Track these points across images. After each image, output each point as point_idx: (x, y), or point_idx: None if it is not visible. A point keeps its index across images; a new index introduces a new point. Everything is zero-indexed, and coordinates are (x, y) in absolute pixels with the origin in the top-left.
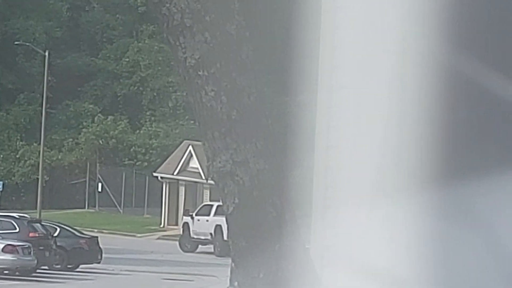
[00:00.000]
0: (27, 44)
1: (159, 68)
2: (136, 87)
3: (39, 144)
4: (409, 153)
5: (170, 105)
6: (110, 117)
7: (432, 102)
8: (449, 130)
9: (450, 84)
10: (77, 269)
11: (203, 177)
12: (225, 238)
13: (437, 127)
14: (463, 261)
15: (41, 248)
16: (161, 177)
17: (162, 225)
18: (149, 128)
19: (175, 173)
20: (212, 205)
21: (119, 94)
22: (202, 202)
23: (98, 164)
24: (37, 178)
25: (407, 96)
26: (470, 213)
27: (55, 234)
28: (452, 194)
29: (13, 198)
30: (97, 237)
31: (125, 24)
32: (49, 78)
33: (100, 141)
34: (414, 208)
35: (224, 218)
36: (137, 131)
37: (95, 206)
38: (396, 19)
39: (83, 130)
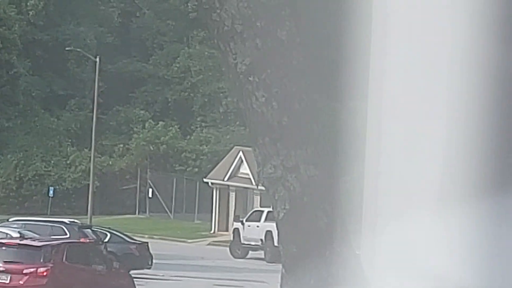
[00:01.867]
0: (78, 50)
1: (210, 73)
2: (186, 93)
3: (90, 149)
4: (469, 158)
5: (220, 110)
6: (160, 123)
7: (492, 105)
8: (509, 133)
9: (508, 86)
10: None
11: (254, 183)
12: (275, 244)
13: (498, 131)
14: None
15: None
16: (212, 183)
17: (212, 231)
18: (200, 134)
19: (225, 179)
20: (262, 211)
21: (169, 100)
22: (253, 208)
23: (148, 170)
24: (88, 184)
25: (465, 100)
26: None
27: (106, 240)
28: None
29: (64, 203)
30: (147, 242)
31: (175, 30)
32: (100, 83)
33: (151, 147)
34: (471, 214)
35: (274, 224)
36: (188, 136)
37: (145, 212)
38: (447, 20)
39: (134, 136)
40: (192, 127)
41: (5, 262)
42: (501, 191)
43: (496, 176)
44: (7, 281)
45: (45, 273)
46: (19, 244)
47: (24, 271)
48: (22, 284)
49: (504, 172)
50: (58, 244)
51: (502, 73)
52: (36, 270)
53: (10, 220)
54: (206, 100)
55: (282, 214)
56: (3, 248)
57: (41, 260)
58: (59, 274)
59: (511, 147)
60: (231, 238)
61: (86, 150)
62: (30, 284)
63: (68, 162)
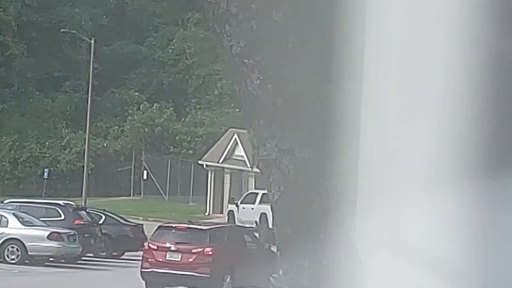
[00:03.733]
0: (73, 31)
1: (205, 56)
2: (181, 75)
3: (85, 131)
4: (463, 141)
5: (215, 93)
6: (155, 105)
7: (488, 88)
8: (505, 117)
9: (505, 71)
10: (122, 257)
11: (249, 165)
12: (270, 226)
13: (493, 114)
14: None
15: (87, 235)
16: (207, 165)
17: (207, 213)
18: (195, 116)
19: (220, 161)
20: (257, 193)
21: (164, 82)
22: (247, 190)
23: (143, 152)
24: (83, 166)
25: (462, 82)
26: None
27: (101, 222)
28: (508, 182)
29: (59, 185)
30: (142, 224)
31: (171, 12)
32: (95, 65)
33: (146, 129)
34: (466, 197)
35: (269, 206)
36: (183, 119)
37: (140, 194)
38: (444, 3)
39: (129, 118)
40: (187, 109)
41: (176, 243)
42: (495, 173)
43: (490, 157)
44: (179, 259)
45: (210, 253)
46: (187, 227)
47: (193, 251)
48: (191, 262)
49: (498, 154)
50: (220, 228)
51: (499, 52)
52: (203, 250)
53: (4, 202)
54: (201, 82)
55: (277, 196)
56: (174, 231)
57: (207, 241)
58: (222, 253)
59: (505, 129)
60: (226, 220)
61: (81, 132)
62: (198, 262)
63: (63, 144)
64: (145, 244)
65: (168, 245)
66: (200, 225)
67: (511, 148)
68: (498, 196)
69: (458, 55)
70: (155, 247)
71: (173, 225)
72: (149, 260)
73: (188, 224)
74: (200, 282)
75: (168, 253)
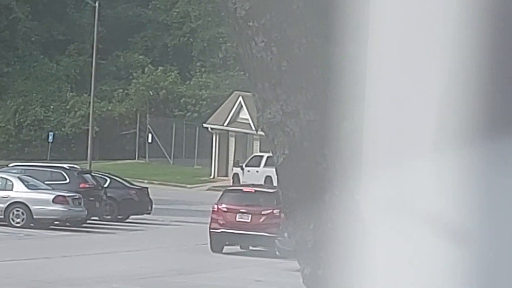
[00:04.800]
0: None
1: (209, 19)
2: (186, 38)
3: (89, 95)
4: (468, 100)
5: (220, 56)
6: (160, 68)
7: (491, 49)
8: (510, 78)
9: (509, 31)
10: (127, 220)
11: (253, 128)
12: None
13: (497, 75)
14: None
15: (91, 199)
16: (211, 128)
17: (212, 176)
18: (199, 79)
19: (225, 124)
20: (262, 156)
21: (169, 45)
22: (252, 153)
23: (148, 115)
24: (87, 129)
25: (466, 43)
26: None
27: (105, 185)
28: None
29: (64, 149)
30: (147, 188)
31: None
32: (99, 28)
33: (150, 92)
34: (472, 158)
35: (274, 169)
36: (187, 82)
37: (145, 157)
38: None
39: (133, 81)
40: (191, 72)
41: (246, 205)
42: (501, 134)
43: (493, 120)
44: (249, 220)
45: (278, 214)
46: (255, 190)
47: (262, 212)
48: (260, 222)
49: (503, 116)
50: None
51: (505, 14)
52: (272, 211)
53: (9, 165)
54: (205, 45)
55: (282, 159)
56: (242, 194)
57: (275, 203)
58: None
59: (508, 94)
60: (231, 183)
61: (85, 95)
62: (267, 222)
63: (67, 107)
64: (214, 206)
65: (237, 207)
66: (267, 188)
67: None
68: (504, 157)
69: (466, 16)
70: (225, 209)
71: (241, 188)
72: (219, 221)
73: (255, 187)
74: (270, 241)
75: (238, 214)
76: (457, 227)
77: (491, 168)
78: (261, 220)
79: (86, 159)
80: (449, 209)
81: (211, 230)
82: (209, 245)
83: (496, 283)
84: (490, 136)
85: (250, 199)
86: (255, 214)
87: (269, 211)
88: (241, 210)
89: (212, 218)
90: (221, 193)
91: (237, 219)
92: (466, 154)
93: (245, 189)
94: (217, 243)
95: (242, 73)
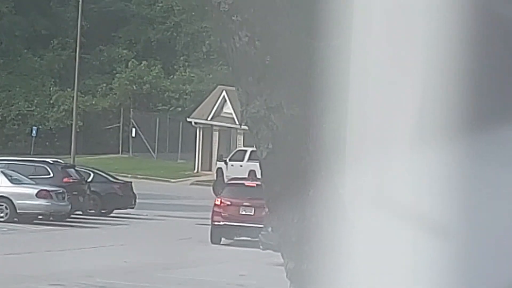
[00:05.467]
0: None
1: (193, 13)
2: (169, 32)
3: (73, 89)
4: (449, 96)
5: (204, 50)
6: (143, 63)
7: (473, 43)
8: (490, 73)
9: (490, 25)
10: (111, 214)
11: (237, 123)
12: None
13: (479, 70)
14: (502, 206)
15: (75, 193)
16: (195, 123)
17: (195, 171)
18: (183, 74)
19: (209, 119)
20: (246, 151)
21: (152, 40)
22: (236, 148)
23: (131, 110)
24: (71, 124)
25: (448, 38)
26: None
27: (89, 180)
28: (496, 138)
29: (47, 143)
30: (131, 182)
31: None
32: (83, 23)
33: (134, 87)
34: (453, 152)
35: (258, 163)
36: (171, 76)
37: (128, 152)
38: None
39: (117, 75)
40: (175, 66)
41: (249, 198)
42: (482, 128)
43: (474, 116)
44: (252, 213)
45: None
46: (257, 184)
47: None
48: (263, 215)
49: (484, 109)
50: None
51: (485, 12)
52: None
53: None
54: (189, 39)
55: (265, 153)
56: (244, 188)
57: None
58: None
59: (494, 84)
60: (215, 178)
61: (69, 89)
62: None
63: (51, 101)
64: (217, 199)
65: (240, 200)
66: None
67: (498, 104)
68: (485, 152)
69: (448, 10)
70: (229, 203)
71: (243, 183)
72: (222, 214)
73: (257, 181)
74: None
75: (241, 208)
76: (438, 221)
77: (471, 163)
78: (264, 213)
79: (70, 154)
80: (430, 203)
81: (214, 223)
82: (209, 237)
83: (476, 276)
84: (471, 131)
85: (252, 193)
86: (258, 207)
87: None
88: (245, 204)
89: (214, 212)
90: (224, 187)
91: (241, 213)
92: (447, 149)
93: (247, 183)
94: (218, 236)
95: (226, 67)
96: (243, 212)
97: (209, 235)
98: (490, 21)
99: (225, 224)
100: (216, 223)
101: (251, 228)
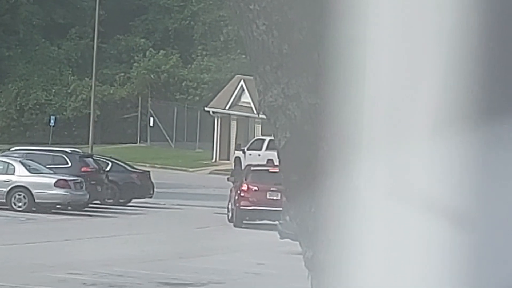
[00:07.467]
0: None
1: (210, 2)
2: (187, 21)
3: (91, 78)
4: (467, 85)
5: (221, 39)
6: (161, 52)
7: (490, 36)
8: (509, 63)
9: (508, 17)
10: (129, 204)
11: (255, 112)
12: None
13: (497, 60)
14: None
15: (93, 182)
16: (213, 112)
17: (213, 160)
18: (201, 63)
19: (226, 108)
20: (264, 140)
21: (170, 29)
22: (254, 137)
23: (149, 99)
24: (89, 113)
25: (465, 30)
26: None
27: (107, 169)
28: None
29: (65, 132)
30: (149, 171)
31: None
32: (101, 12)
33: (152, 76)
34: (471, 142)
35: (275, 153)
36: (189, 65)
37: (146, 141)
38: None
39: (135, 64)
40: (193, 55)
41: (276, 184)
42: (498, 121)
43: (493, 105)
44: (278, 198)
45: None
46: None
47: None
48: None
49: (501, 102)
50: None
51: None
52: None
53: (11, 149)
54: (206, 28)
55: (283, 142)
56: (269, 173)
57: None
58: None
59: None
60: (232, 167)
61: (87, 79)
62: None
63: (69, 91)
64: (243, 184)
65: (267, 186)
66: None
67: None
68: (504, 142)
69: (466, 5)
70: (256, 188)
71: (267, 169)
72: (250, 199)
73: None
74: None
75: (268, 192)
76: (457, 212)
77: (491, 153)
78: None
79: (88, 143)
80: (449, 194)
81: (242, 207)
82: (234, 219)
83: (496, 268)
84: (491, 121)
85: (277, 178)
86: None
87: None
88: (272, 189)
89: (240, 196)
90: (247, 173)
91: (268, 197)
92: (466, 138)
93: (272, 169)
94: (242, 219)
95: (243, 56)
96: (270, 197)
97: (234, 218)
98: (507, 14)
99: (254, 209)
100: (243, 207)
101: (277, 212)
